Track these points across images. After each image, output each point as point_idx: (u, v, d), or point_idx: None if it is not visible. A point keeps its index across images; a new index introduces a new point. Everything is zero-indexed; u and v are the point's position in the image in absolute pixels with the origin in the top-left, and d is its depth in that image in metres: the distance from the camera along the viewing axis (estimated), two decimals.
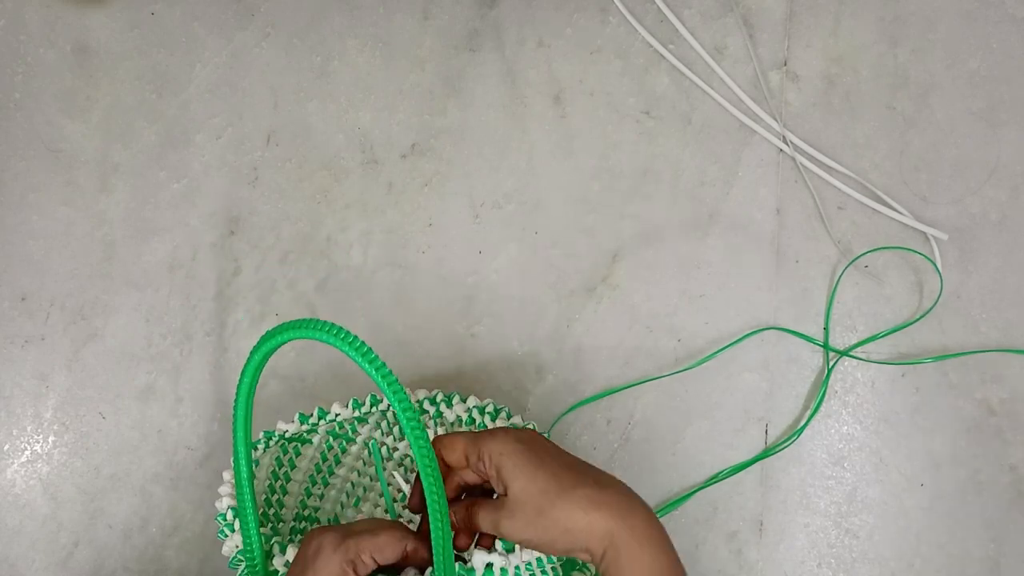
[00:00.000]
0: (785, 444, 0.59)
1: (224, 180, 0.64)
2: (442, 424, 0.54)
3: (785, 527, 0.59)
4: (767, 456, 0.59)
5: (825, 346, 0.60)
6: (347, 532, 0.42)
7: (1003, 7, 0.60)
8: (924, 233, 0.59)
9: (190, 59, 0.64)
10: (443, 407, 0.53)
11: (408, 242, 0.63)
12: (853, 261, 0.60)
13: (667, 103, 0.62)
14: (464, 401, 0.53)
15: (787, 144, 0.61)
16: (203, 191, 0.64)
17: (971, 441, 0.59)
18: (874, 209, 0.60)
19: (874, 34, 0.61)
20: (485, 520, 0.42)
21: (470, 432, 0.43)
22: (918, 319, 0.59)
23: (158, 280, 0.63)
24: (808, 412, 0.60)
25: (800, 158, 0.61)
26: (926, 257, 0.59)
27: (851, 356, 0.60)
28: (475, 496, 0.45)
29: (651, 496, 0.60)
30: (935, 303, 0.59)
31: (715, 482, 0.60)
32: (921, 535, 0.59)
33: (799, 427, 0.59)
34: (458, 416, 0.53)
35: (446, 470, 0.44)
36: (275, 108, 0.64)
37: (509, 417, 0.53)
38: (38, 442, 0.63)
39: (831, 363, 0.60)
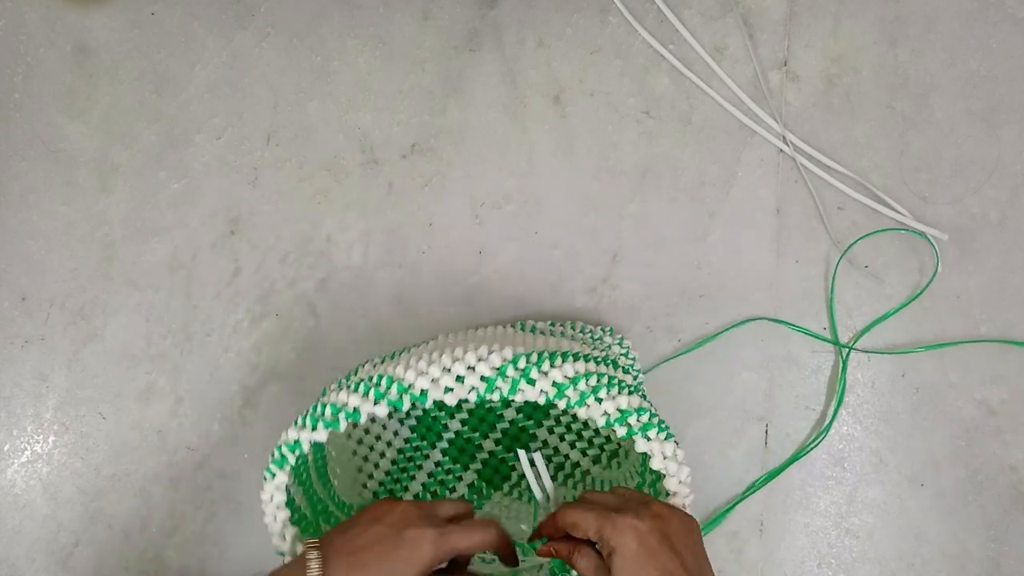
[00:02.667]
0: (812, 445, 0.59)
1: (224, 180, 0.64)
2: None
3: (785, 527, 0.59)
4: (797, 459, 0.59)
5: (835, 341, 0.60)
6: (438, 520, 0.45)
7: (1003, 7, 0.60)
8: (924, 233, 0.59)
9: (190, 59, 0.64)
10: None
11: (408, 242, 0.63)
12: (848, 248, 0.60)
13: (667, 103, 0.62)
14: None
15: (787, 144, 0.61)
16: (203, 191, 0.64)
17: (971, 441, 0.59)
18: (874, 209, 0.60)
19: (874, 34, 0.61)
20: (584, 569, 0.44)
21: (600, 511, 0.44)
22: (912, 299, 0.59)
23: (158, 280, 0.63)
24: (831, 409, 0.60)
25: (800, 158, 0.61)
26: (923, 236, 0.60)
27: (858, 350, 0.60)
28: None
29: None
30: (931, 280, 0.59)
31: (752, 492, 0.60)
32: (921, 535, 0.59)
33: (824, 425, 0.59)
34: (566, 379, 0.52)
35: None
36: (275, 108, 0.64)
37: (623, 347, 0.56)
38: (38, 442, 0.63)
39: (844, 356, 0.60)
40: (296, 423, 0.48)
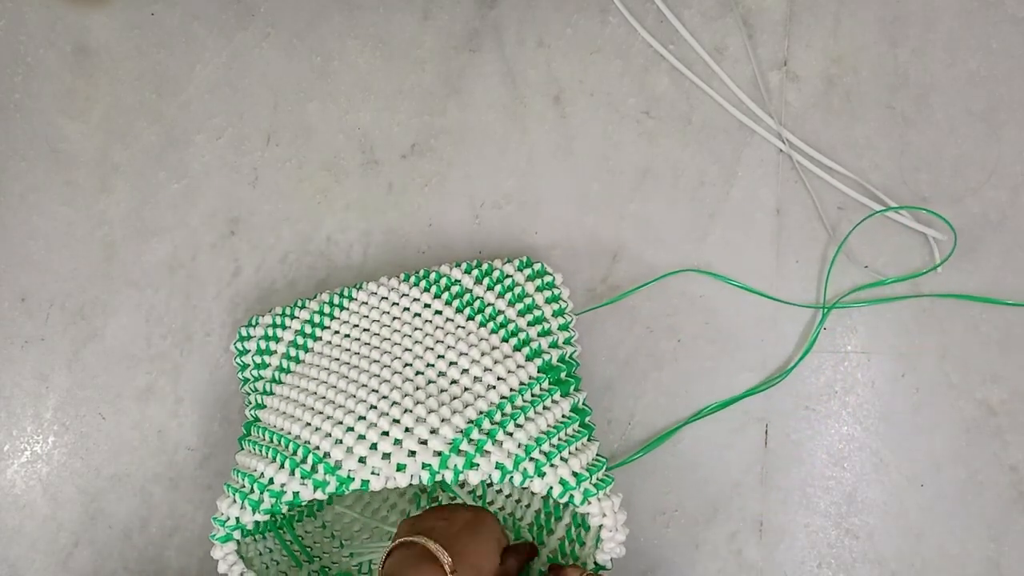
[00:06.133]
0: (777, 379, 0.60)
1: (224, 180, 0.64)
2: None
3: (785, 527, 0.59)
4: (756, 392, 0.59)
5: (823, 307, 0.60)
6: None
7: (1003, 7, 0.60)
8: (924, 234, 0.59)
9: (190, 59, 0.64)
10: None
11: (408, 242, 0.63)
12: (847, 237, 0.60)
13: (667, 103, 0.62)
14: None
15: (786, 144, 0.61)
16: (203, 191, 0.64)
17: (971, 441, 0.59)
18: (874, 209, 0.60)
19: (874, 34, 0.61)
20: None
21: None
22: (900, 280, 0.60)
23: (158, 280, 0.63)
24: (798, 356, 0.60)
25: (800, 158, 0.61)
26: (910, 211, 0.60)
27: (841, 306, 0.60)
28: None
29: (651, 497, 0.60)
30: (914, 275, 0.59)
31: (701, 417, 0.60)
32: (921, 535, 0.59)
33: (789, 366, 0.59)
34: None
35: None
36: (275, 108, 0.64)
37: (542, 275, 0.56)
38: (38, 442, 0.63)
39: (824, 312, 0.60)
40: (229, 492, 0.47)
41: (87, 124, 0.64)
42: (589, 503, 0.45)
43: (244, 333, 0.57)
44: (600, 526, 0.46)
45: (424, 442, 0.45)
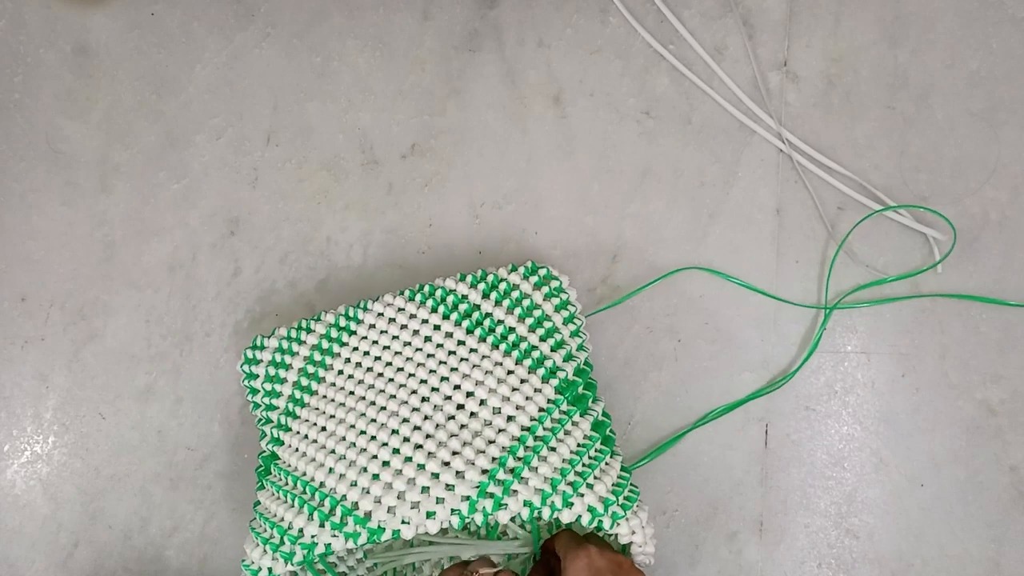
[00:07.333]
0: (780, 383, 0.60)
1: (224, 180, 0.64)
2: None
3: (785, 527, 0.59)
4: (759, 396, 0.60)
5: (825, 307, 0.60)
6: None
7: (1003, 7, 0.60)
8: (924, 234, 0.59)
9: (190, 59, 0.64)
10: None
11: (408, 242, 0.63)
12: (847, 236, 0.60)
13: (667, 103, 0.62)
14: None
15: (786, 144, 0.61)
16: (203, 191, 0.64)
17: (971, 441, 0.59)
18: (874, 209, 0.60)
19: (874, 34, 0.61)
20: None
21: (574, 537, 0.48)
22: (897, 278, 0.60)
23: (158, 280, 0.63)
24: (801, 358, 0.60)
25: (800, 158, 0.61)
26: (915, 207, 0.60)
27: (843, 306, 0.60)
28: None
29: (651, 497, 0.60)
30: (918, 271, 0.59)
31: (704, 423, 0.60)
32: (921, 535, 0.59)
33: (792, 370, 0.59)
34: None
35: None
36: (275, 108, 0.64)
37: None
38: (38, 442, 0.63)
39: (826, 313, 0.60)
40: (258, 539, 0.46)
41: (87, 124, 0.64)
42: (618, 524, 0.45)
43: (250, 356, 0.56)
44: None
45: (451, 487, 0.44)
